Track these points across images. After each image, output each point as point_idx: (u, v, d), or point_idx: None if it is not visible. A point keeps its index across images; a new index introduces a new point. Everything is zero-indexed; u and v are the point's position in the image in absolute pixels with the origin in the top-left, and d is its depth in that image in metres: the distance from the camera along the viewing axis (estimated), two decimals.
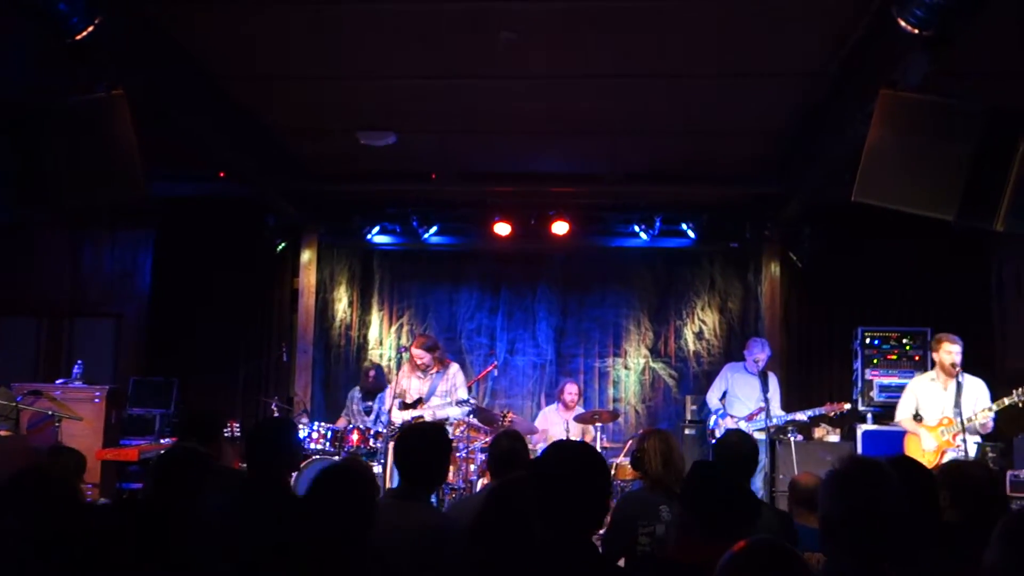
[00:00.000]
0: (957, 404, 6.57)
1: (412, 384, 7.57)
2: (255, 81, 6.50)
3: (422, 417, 7.31)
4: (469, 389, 8.63)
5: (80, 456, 5.22)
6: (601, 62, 5.99)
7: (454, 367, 7.68)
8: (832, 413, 7.66)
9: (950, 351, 6.65)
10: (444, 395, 7.46)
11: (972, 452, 6.49)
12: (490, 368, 8.81)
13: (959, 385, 6.60)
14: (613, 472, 7.39)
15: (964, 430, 6.40)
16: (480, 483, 7.36)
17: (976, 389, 6.69)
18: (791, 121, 6.93)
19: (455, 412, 7.40)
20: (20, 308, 9.68)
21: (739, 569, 2.06)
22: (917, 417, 6.77)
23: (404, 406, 7.51)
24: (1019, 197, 4.36)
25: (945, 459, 6.33)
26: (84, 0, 4.34)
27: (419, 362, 7.48)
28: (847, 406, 7.64)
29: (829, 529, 2.39)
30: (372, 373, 8.44)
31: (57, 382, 8.32)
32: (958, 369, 6.60)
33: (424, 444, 3.52)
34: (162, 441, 7.99)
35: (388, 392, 7.74)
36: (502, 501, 3.07)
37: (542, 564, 2.42)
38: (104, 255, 9.73)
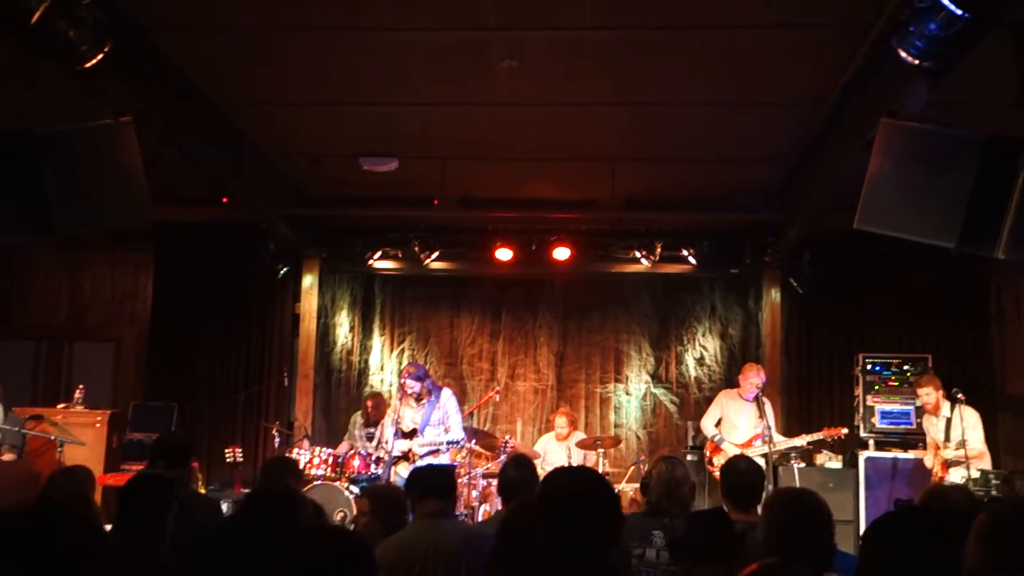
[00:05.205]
0: (947, 437, 7.16)
1: (406, 413, 7.45)
2: (257, 107, 6.57)
3: (412, 449, 7.28)
4: (471, 415, 8.60)
5: (90, 472, 5.16)
6: (602, 90, 6.05)
7: (446, 394, 7.51)
8: (829, 438, 7.64)
9: (917, 393, 7.44)
10: (438, 423, 7.34)
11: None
12: (492, 394, 8.79)
13: (948, 420, 7.15)
14: None
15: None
16: (482, 508, 7.34)
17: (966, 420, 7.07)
18: (791, 149, 6.99)
19: (444, 448, 7.34)
20: (19, 332, 9.67)
21: None
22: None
23: (401, 434, 7.45)
24: (1019, 224, 4.37)
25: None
26: (93, 28, 4.39)
27: (409, 391, 7.36)
28: (844, 431, 7.62)
29: None
30: (370, 403, 8.35)
31: (58, 406, 8.30)
32: (932, 406, 7.28)
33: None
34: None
35: (388, 419, 7.69)
36: (513, 526, 3.08)
37: None
38: (104, 279, 9.71)
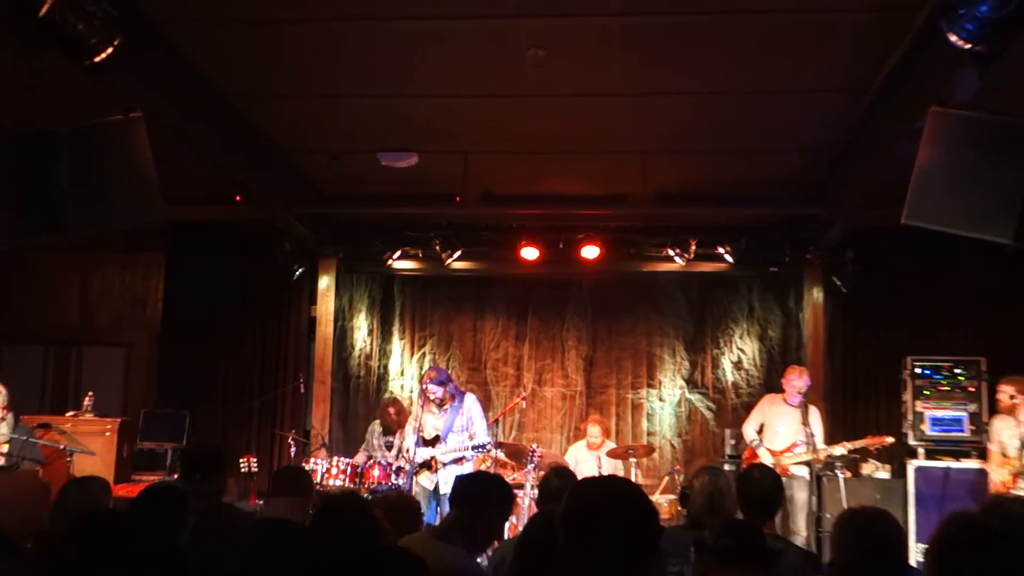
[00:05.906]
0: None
1: (427, 420, 7.31)
2: (272, 101, 6.52)
3: (435, 456, 7.14)
4: (496, 422, 8.35)
5: (106, 483, 4.95)
6: (632, 79, 5.87)
7: (469, 399, 7.40)
8: (873, 447, 7.35)
9: (999, 389, 6.95)
10: (462, 430, 7.25)
11: None
12: (518, 400, 8.54)
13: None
14: None
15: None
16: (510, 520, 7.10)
17: None
18: (833, 139, 6.85)
19: (470, 455, 7.11)
20: (27, 336, 9.59)
21: None
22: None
23: (423, 442, 7.21)
24: None
25: None
26: (102, 21, 4.35)
27: (432, 397, 7.22)
28: (890, 439, 7.34)
29: None
30: (392, 410, 8.17)
31: (67, 414, 8.19)
32: (1005, 405, 6.79)
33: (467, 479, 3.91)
34: (175, 476, 7.76)
35: (409, 427, 7.46)
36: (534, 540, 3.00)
37: None
38: (114, 281, 9.65)
